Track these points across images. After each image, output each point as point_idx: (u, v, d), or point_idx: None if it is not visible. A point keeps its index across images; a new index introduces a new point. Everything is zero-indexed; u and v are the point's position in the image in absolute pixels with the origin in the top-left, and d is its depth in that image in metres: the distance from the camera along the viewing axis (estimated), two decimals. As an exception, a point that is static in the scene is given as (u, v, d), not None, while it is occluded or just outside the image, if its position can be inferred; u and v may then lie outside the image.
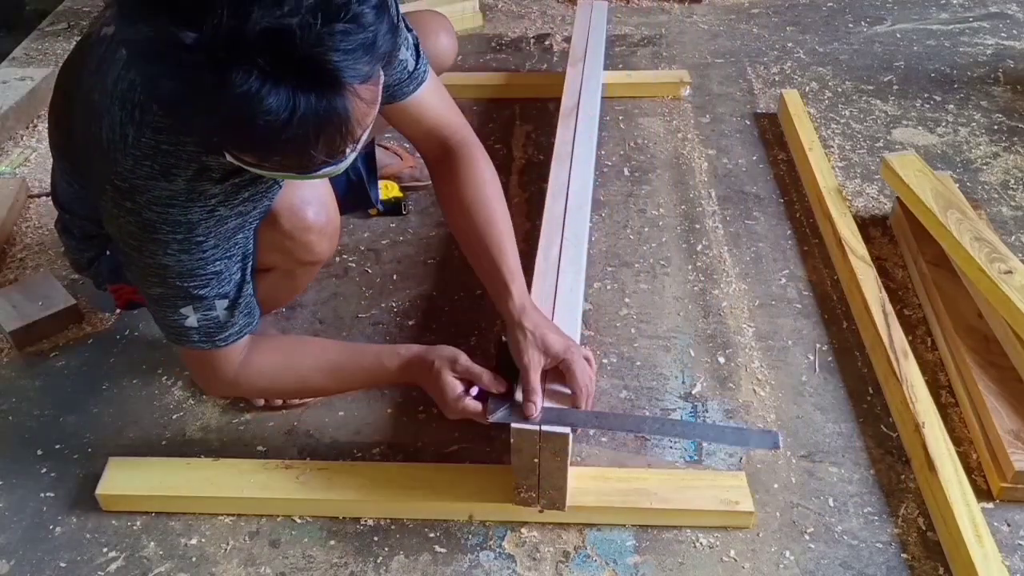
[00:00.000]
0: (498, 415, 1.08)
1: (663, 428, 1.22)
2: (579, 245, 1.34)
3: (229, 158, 0.85)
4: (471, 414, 1.10)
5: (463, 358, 1.11)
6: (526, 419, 1.07)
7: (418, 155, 1.67)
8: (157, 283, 1.02)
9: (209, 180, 0.96)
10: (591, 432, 1.30)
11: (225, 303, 1.05)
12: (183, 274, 1.00)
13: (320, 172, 0.86)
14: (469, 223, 1.19)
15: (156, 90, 0.76)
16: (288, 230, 1.14)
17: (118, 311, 1.52)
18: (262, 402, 1.35)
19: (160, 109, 0.88)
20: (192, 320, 1.05)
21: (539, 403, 1.07)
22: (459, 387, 1.10)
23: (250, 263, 1.08)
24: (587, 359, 1.13)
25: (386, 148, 1.86)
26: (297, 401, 1.35)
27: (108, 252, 1.26)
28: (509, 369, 1.12)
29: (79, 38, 1.08)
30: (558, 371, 1.12)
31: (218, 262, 1.02)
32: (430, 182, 1.49)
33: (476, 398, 1.11)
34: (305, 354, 1.17)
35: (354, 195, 1.59)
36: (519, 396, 1.08)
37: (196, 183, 0.95)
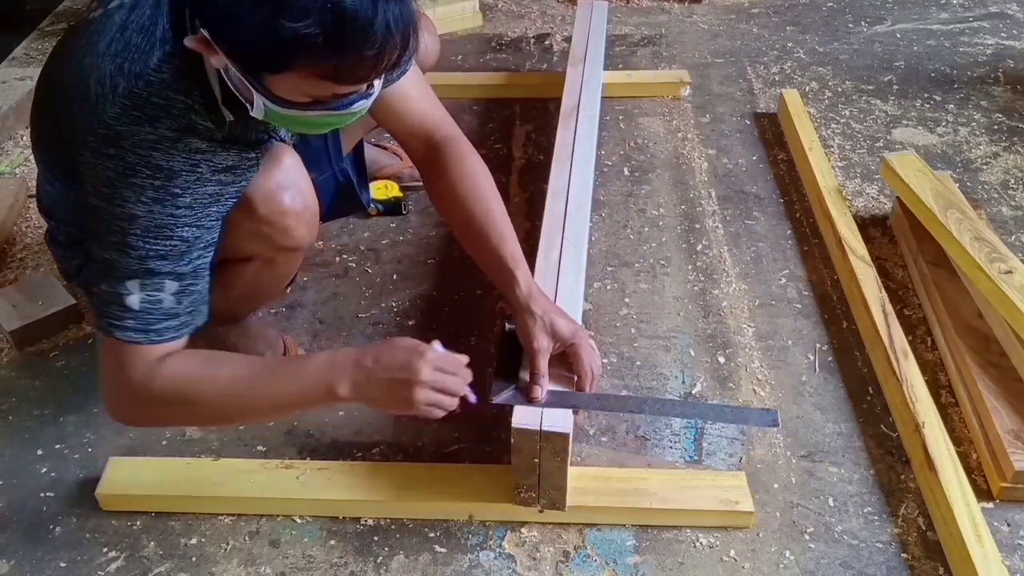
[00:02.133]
0: (502, 396, 1.09)
1: (663, 408, 1.23)
2: (579, 245, 1.34)
3: (258, 97, 0.90)
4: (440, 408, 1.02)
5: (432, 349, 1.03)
6: (531, 402, 1.08)
7: None
8: (115, 244, 0.97)
9: (195, 136, 0.97)
10: (591, 432, 1.30)
11: (175, 287, 0.99)
12: (149, 229, 0.96)
13: (353, 107, 0.92)
14: (466, 217, 1.20)
15: None
16: (265, 215, 1.10)
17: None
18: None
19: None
20: (134, 299, 0.97)
21: (545, 387, 1.08)
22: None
23: (212, 256, 1.04)
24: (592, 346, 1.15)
25: (385, 148, 1.86)
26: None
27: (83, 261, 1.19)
28: (515, 357, 1.13)
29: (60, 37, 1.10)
30: (563, 356, 1.13)
31: (187, 228, 0.98)
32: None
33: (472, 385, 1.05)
34: (227, 361, 1.04)
35: (344, 199, 1.56)
36: (525, 378, 1.10)
37: (182, 134, 0.96)
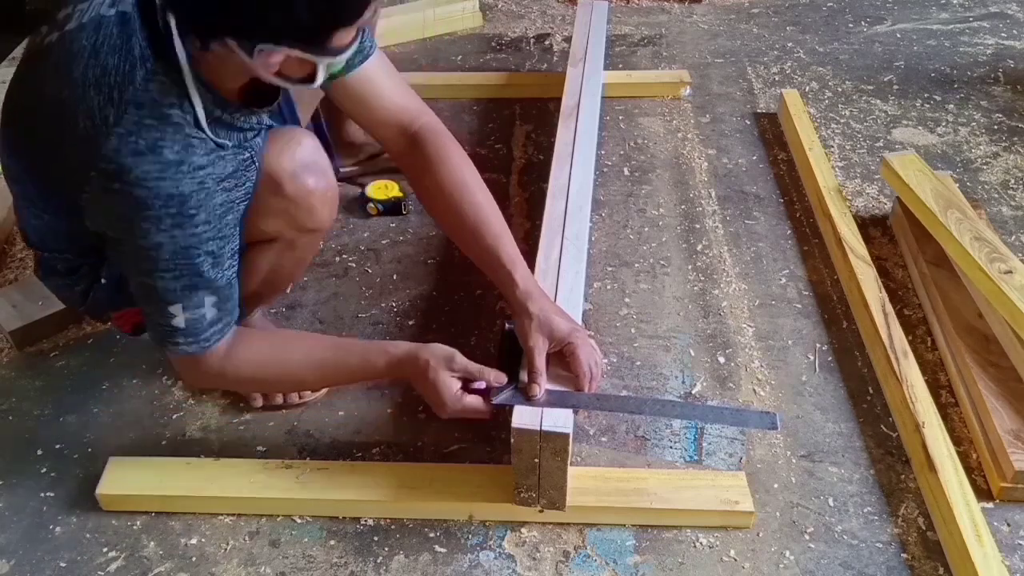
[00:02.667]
0: (502, 396, 1.09)
1: (663, 409, 1.22)
2: (579, 245, 1.34)
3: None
4: (472, 412, 1.11)
5: (459, 356, 1.11)
6: (529, 399, 1.08)
7: None
8: (148, 270, 1.00)
9: (194, 152, 0.96)
10: (591, 432, 1.30)
11: (214, 299, 1.04)
12: (176, 253, 0.99)
13: (338, 57, 0.94)
14: (458, 217, 1.18)
15: None
16: (291, 195, 1.12)
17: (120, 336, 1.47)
18: (260, 401, 1.35)
19: None
20: (179, 320, 1.03)
21: (543, 384, 1.08)
22: (456, 385, 1.10)
23: (238, 262, 1.08)
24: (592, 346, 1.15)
25: None
26: (297, 399, 1.35)
27: (103, 280, 1.18)
28: (515, 356, 1.13)
29: (16, 67, 1.05)
30: (562, 356, 1.12)
31: (211, 242, 1.01)
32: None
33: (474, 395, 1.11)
34: (293, 349, 1.16)
35: None
36: (524, 378, 1.10)
37: (183, 155, 0.95)
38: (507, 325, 1.17)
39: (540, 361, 1.10)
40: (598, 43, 2.05)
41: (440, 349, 1.11)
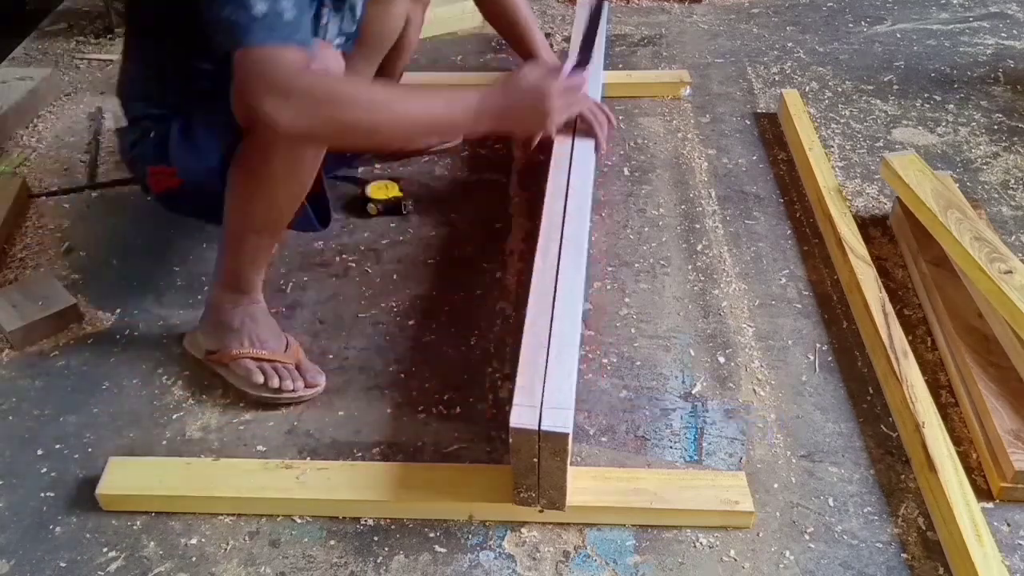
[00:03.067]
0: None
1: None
2: (579, 245, 1.34)
3: None
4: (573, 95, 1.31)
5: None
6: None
7: None
8: None
9: None
10: (591, 432, 1.30)
11: (291, 2, 1.06)
12: None
13: None
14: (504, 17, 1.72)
15: None
16: None
17: (150, 197, 1.43)
18: (261, 379, 1.32)
19: None
20: (260, 7, 1.03)
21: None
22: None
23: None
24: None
25: None
26: (302, 393, 1.33)
27: (152, 135, 1.31)
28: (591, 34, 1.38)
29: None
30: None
31: None
32: (453, 144, 1.87)
33: None
34: (371, 84, 1.27)
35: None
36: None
37: None
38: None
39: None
40: (598, 43, 2.04)
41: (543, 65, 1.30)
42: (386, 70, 1.73)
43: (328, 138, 1.19)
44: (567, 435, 1.05)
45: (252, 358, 1.33)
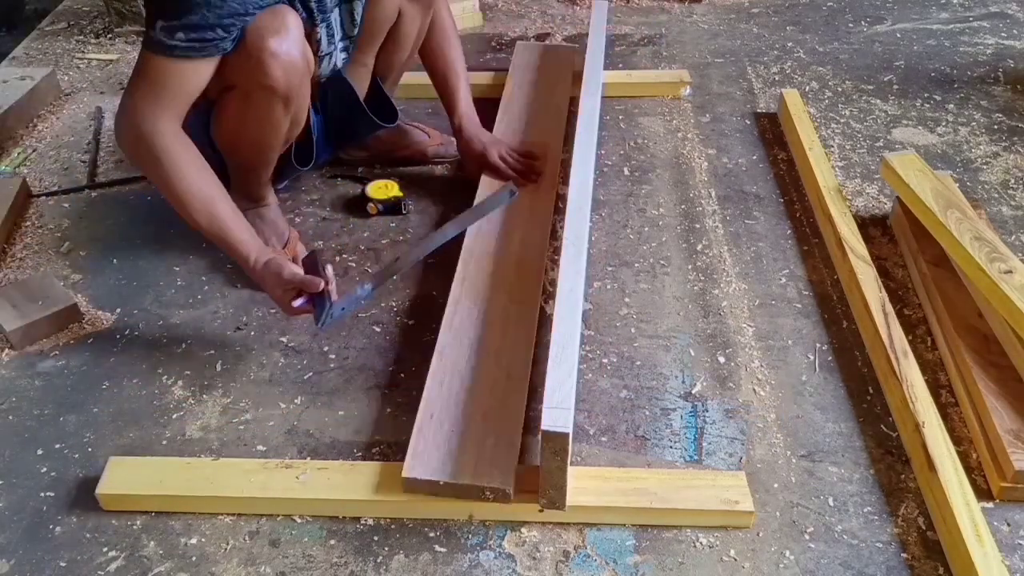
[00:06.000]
0: (322, 321, 1.28)
1: (436, 239, 1.35)
2: (579, 245, 1.34)
3: None
4: (304, 313, 1.33)
5: (286, 271, 1.30)
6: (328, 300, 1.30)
7: (445, 134, 1.90)
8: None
9: None
10: (591, 432, 1.30)
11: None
12: None
13: None
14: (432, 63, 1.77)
15: None
16: (248, 45, 1.32)
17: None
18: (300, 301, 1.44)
19: None
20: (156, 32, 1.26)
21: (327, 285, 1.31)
22: (289, 297, 1.31)
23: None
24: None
25: (414, 126, 1.92)
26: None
27: None
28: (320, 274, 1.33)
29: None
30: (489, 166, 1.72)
31: (210, 12, 1.25)
32: (455, 157, 1.90)
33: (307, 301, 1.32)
34: (211, 192, 1.33)
35: (351, 119, 1.73)
36: (333, 294, 1.32)
37: None
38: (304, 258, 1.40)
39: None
40: (598, 42, 2.04)
41: (274, 266, 1.31)
42: (384, 64, 1.75)
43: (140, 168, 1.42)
44: (568, 435, 1.05)
45: None
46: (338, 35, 1.55)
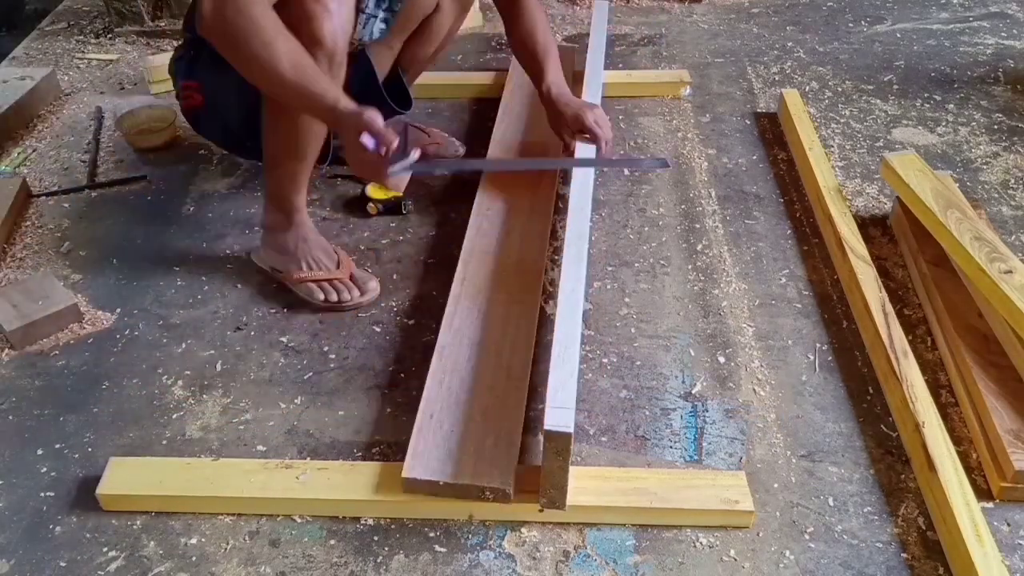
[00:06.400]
0: (395, 167, 1.27)
1: (544, 164, 1.34)
2: (580, 245, 1.34)
3: None
4: (377, 165, 1.28)
5: (378, 121, 1.26)
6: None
7: (445, 135, 1.93)
8: None
9: None
10: (591, 432, 1.30)
11: None
12: None
13: None
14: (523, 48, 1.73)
15: None
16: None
17: (181, 114, 1.74)
18: (322, 296, 1.52)
19: None
20: None
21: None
22: (370, 143, 1.26)
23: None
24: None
25: (415, 126, 1.92)
26: (359, 300, 1.54)
27: (191, 52, 1.57)
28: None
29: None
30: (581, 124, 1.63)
31: None
32: (455, 157, 1.89)
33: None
34: (296, 46, 1.26)
35: (366, 100, 1.70)
36: (414, 155, 1.31)
37: None
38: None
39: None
40: (598, 42, 2.04)
41: (370, 113, 1.26)
42: (408, 55, 1.76)
43: (225, 48, 1.29)
44: (570, 435, 1.05)
45: (312, 280, 1.52)
46: (385, 1, 1.56)
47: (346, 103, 1.27)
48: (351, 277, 1.55)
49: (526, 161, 1.29)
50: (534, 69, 1.73)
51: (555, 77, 1.71)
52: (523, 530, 1.16)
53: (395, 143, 1.26)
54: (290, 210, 1.54)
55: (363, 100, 1.70)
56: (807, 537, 1.15)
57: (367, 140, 1.25)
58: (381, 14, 1.58)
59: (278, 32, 1.25)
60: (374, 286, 1.55)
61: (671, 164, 1.28)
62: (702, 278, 1.60)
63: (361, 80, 1.67)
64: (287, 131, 1.44)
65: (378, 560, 1.13)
